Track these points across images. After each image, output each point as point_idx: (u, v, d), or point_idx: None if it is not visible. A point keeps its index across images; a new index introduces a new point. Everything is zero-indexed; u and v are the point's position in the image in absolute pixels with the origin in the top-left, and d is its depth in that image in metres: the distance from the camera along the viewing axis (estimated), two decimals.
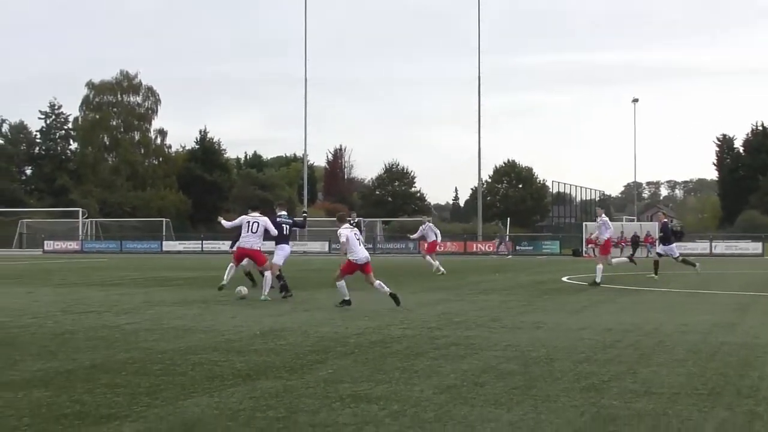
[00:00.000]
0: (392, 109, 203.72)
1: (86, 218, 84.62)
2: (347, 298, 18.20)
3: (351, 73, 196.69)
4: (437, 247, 35.64)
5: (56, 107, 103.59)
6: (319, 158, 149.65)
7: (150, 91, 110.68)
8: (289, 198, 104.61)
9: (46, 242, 78.86)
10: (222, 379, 9.35)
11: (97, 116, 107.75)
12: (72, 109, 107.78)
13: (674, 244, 31.24)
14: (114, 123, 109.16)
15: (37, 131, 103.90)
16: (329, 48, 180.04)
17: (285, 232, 21.94)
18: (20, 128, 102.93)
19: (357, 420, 7.35)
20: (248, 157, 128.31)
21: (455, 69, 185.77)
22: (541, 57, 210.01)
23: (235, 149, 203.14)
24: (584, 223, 70.76)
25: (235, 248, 21.80)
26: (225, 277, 21.17)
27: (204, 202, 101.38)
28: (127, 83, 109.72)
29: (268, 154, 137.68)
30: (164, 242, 78.82)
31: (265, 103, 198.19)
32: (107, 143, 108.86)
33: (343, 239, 18.64)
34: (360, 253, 18.62)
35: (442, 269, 32.90)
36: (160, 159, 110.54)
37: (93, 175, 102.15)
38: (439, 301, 20.32)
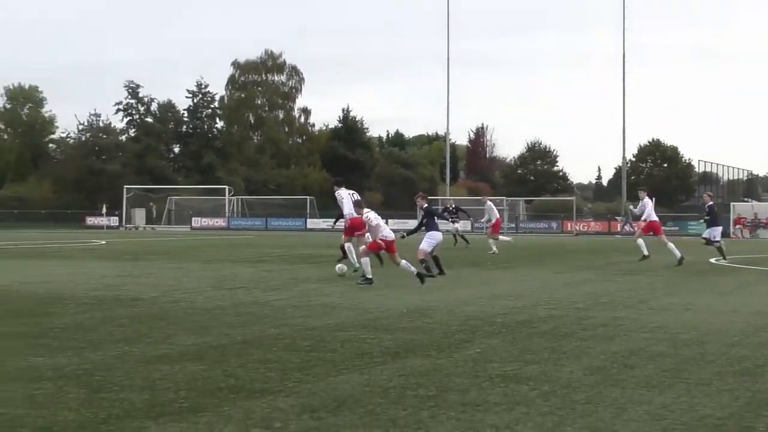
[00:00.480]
0: (535, 86, 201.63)
1: (232, 196, 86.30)
2: (370, 276, 18.32)
3: (494, 49, 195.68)
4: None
5: (203, 86, 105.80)
6: (461, 137, 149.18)
7: (294, 70, 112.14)
8: (431, 177, 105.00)
9: (193, 219, 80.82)
10: (371, 356, 9.44)
11: (243, 95, 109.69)
12: (218, 88, 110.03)
13: (719, 228, 29.65)
14: (259, 102, 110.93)
15: (184, 110, 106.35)
16: (472, 24, 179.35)
17: (436, 219, 22.28)
18: (168, 107, 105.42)
19: (507, 400, 7.34)
20: (390, 135, 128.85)
21: (599, 45, 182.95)
22: (683, 32, 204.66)
23: (377, 127, 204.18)
24: (731, 204, 69.11)
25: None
26: (353, 262, 21.16)
27: (347, 180, 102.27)
28: (271, 62, 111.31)
29: (410, 132, 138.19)
30: (308, 220, 79.91)
31: (408, 81, 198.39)
32: (252, 122, 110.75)
33: (374, 223, 19.59)
34: (387, 231, 19.41)
35: (495, 249, 32.65)
36: (304, 137, 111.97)
37: (238, 153, 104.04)
38: (585, 281, 20.12)
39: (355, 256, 21.30)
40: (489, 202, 36.32)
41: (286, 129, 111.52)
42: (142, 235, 63.12)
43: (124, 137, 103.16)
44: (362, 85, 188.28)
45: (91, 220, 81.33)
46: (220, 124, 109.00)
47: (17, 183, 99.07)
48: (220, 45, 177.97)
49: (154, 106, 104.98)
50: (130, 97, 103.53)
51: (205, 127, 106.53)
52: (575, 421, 6.68)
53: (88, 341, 10.32)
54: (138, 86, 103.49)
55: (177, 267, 24.17)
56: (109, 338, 10.59)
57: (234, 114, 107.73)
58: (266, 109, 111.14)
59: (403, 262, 18.69)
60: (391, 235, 19.33)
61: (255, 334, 11.11)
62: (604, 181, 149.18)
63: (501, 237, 34.65)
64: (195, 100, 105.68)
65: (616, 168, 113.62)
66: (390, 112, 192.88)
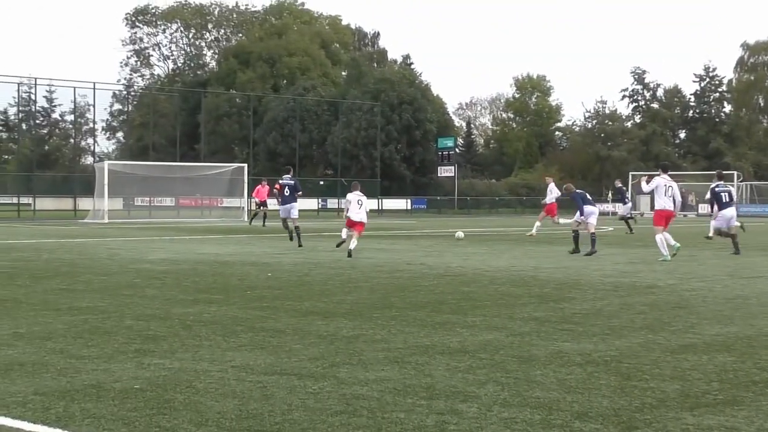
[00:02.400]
0: None
1: (741, 181, 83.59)
2: (342, 240, 24.27)
3: None
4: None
5: (710, 70, 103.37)
6: None
7: None
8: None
9: (700, 206, 79.24)
10: None
11: (752, 77, 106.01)
12: (726, 71, 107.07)
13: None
14: None
15: (690, 94, 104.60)
16: None
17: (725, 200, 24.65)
18: (674, 92, 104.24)
19: None
20: None
21: None
22: None
23: None
24: None
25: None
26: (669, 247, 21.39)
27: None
28: None
29: None
30: None
31: None
32: (762, 105, 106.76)
33: (345, 203, 25.54)
34: (353, 213, 23.58)
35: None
36: None
37: (747, 138, 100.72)
38: None
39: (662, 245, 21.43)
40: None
41: None
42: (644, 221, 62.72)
43: (629, 123, 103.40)
44: None
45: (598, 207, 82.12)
46: (728, 108, 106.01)
47: (525, 170, 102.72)
48: (729, 27, 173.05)
49: (660, 92, 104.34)
50: (636, 83, 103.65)
51: (713, 111, 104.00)
52: None
53: (611, 327, 10.40)
54: (644, 72, 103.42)
55: (689, 255, 23.56)
56: (631, 325, 10.60)
57: (743, 97, 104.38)
58: None
59: (354, 240, 22.83)
60: (358, 219, 23.50)
61: None
62: None
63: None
64: (702, 84, 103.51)
65: None
66: None
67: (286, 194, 27.54)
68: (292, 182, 27.88)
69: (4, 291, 13.97)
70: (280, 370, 7.81)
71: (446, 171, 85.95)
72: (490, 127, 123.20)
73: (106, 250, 24.21)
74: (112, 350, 8.74)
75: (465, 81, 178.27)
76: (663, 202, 21.82)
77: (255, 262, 20.15)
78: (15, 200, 65.72)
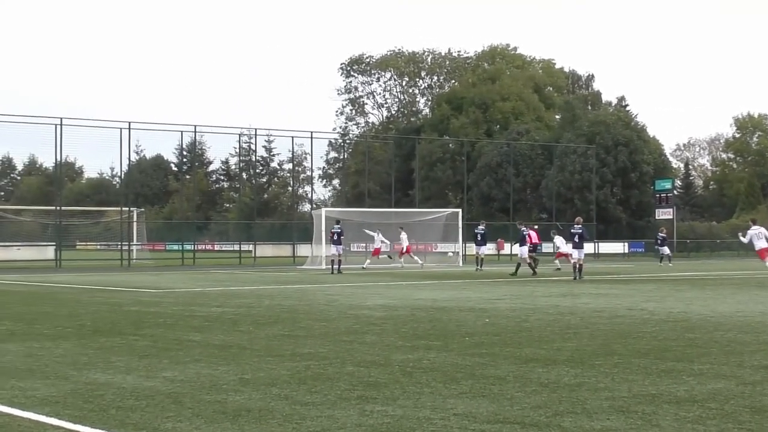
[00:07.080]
0: None
1: None
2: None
3: None
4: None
5: None
6: None
7: None
8: None
9: None
10: None
11: None
12: None
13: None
14: None
15: None
16: None
17: None
18: None
19: None
20: None
21: None
22: None
23: None
24: None
25: None
26: None
27: None
28: None
29: None
30: None
31: None
32: None
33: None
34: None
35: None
36: None
37: None
38: None
39: None
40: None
41: None
42: None
43: None
44: None
45: None
46: None
47: (747, 212, 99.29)
48: None
49: None
50: None
51: None
52: None
53: None
54: None
55: None
56: None
57: None
58: None
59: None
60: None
61: None
62: None
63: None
64: None
65: None
66: None
67: None
68: None
69: (228, 337, 14.37)
70: (503, 419, 7.69)
71: (664, 213, 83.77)
72: (710, 168, 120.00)
73: (325, 296, 24.66)
74: (335, 397, 8.82)
75: (682, 121, 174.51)
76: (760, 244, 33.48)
77: (472, 308, 20.10)
78: (236, 247, 68.39)
